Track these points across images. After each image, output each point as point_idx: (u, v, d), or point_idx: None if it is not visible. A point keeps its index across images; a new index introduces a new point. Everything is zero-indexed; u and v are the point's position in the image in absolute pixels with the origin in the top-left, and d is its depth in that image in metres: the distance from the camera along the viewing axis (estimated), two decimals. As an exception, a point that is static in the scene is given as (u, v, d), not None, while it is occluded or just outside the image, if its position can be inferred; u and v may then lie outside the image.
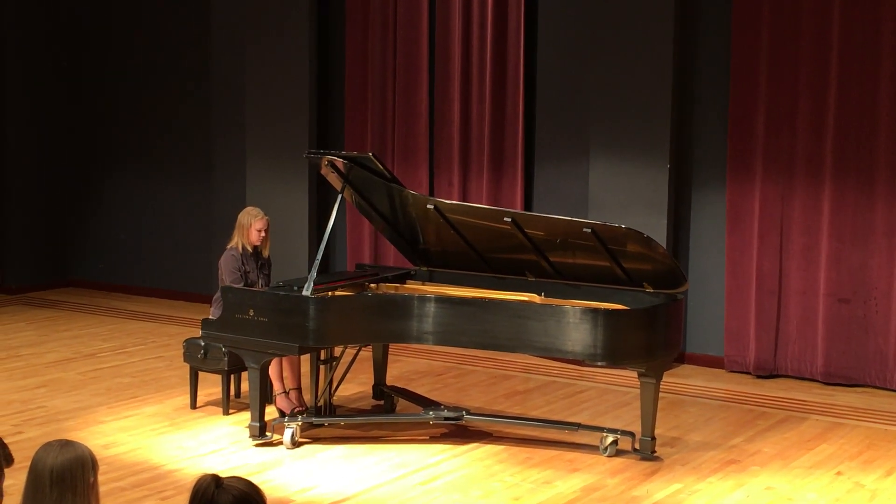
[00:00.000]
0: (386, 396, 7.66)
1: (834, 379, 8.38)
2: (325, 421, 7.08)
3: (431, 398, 7.49)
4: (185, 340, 7.57)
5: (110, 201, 11.91)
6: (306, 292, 6.56)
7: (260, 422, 6.74)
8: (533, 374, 8.67)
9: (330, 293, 6.89)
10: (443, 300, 6.62)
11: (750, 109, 8.52)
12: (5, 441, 3.38)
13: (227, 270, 7.30)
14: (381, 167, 6.91)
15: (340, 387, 7.43)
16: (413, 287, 7.33)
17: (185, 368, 7.63)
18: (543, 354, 7.40)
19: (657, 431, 6.66)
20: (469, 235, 7.08)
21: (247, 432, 6.83)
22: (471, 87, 9.64)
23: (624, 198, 8.75)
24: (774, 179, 8.48)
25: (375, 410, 7.63)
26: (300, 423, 6.79)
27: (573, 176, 9.13)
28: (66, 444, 3.25)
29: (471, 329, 6.53)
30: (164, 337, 9.71)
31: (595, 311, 6.32)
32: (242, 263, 7.33)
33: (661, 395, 6.68)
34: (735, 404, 7.94)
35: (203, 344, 7.34)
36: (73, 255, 12.13)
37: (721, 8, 8.71)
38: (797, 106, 8.36)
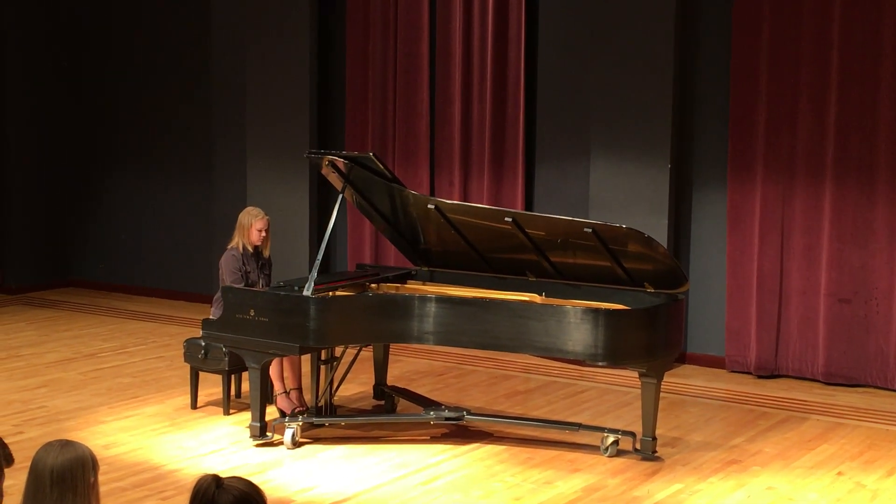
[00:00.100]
0: (387, 396, 7.65)
1: (835, 379, 8.38)
2: (325, 421, 7.08)
3: (432, 398, 7.48)
4: (186, 340, 7.56)
5: (111, 201, 11.90)
6: (307, 292, 6.55)
7: (260, 422, 6.74)
8: (533, 375, 8.67)
9: (331, 293, 6.89)
10: (443, 300, 6.62)
11: (750, 109, 8.52)
12: (6, 441, 3.38)
13: (227, 270, 7.29)
14: (382, 167, 6.90)
15: (341, 387, 7.42)
16: (414, 287, 7.33)
17: (186, 368, 7.63)
18: (544, 354, 7.39)
19: (658, 431, 6.66)
20: (470, 235, 7.07)
21: (247, 432, 6.83)
22: (471, 87, 9.63)
23: (624, 198, 8.74)
24: (775, 179, 8.47)
25: (376, 410, 7.62)
26: (301, 423, 6.78)
27: (574, 176, 9.13)
28: (67, 444, 3.25)
29: (471, 329, 6.53)
30: (164, 337, 9.71)
31: (596, 311, 6.32)
32: (243, 263, 7.32)
33: (661, 395, 6.68)
34: (736, 404, 7.93)
35: (204, 344, 7.33)
36: (74, 255, 12.13)
37: (721, 8, 8.70)
38: (797, 106, 8.35)
